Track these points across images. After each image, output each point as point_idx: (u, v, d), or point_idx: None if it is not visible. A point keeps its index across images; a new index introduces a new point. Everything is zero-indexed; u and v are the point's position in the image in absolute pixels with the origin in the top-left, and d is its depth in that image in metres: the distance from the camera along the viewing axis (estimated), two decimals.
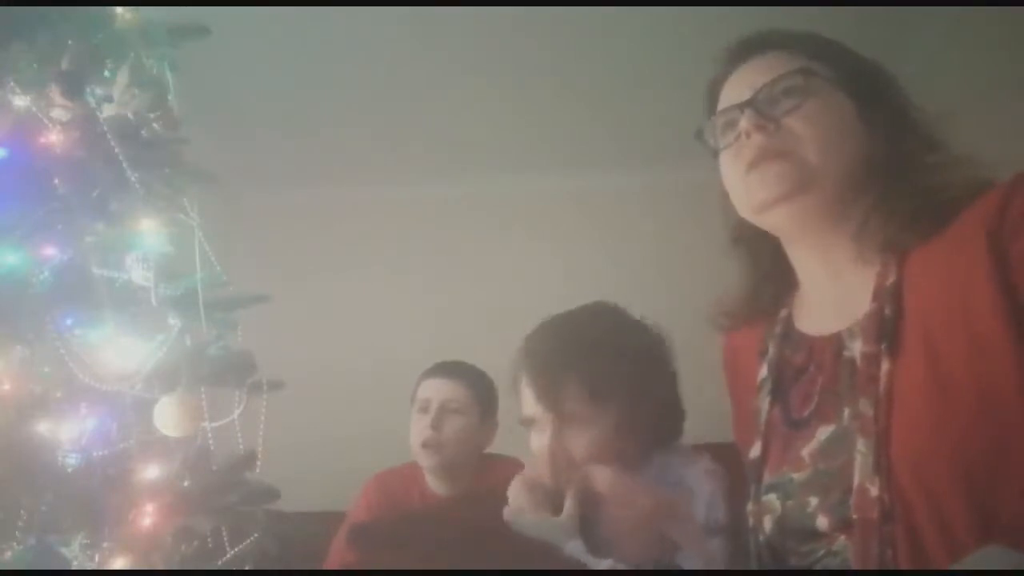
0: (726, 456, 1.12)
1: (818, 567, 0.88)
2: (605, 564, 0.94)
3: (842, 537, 0.85)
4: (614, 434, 1.05)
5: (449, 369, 2.00)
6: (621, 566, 0.94)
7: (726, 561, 0.96)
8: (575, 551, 0.95)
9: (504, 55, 2.58)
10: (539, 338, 1.12)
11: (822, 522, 0.86)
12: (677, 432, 1.14)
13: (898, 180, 0.90)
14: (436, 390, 1.96)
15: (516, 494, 1.04)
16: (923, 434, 0.79)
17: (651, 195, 3.22)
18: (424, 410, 1.94)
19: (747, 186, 0.94)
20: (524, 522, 1.00)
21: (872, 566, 0.79)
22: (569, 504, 0.99)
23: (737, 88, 0.96)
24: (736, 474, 1.03)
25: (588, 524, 0.98)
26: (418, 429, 1.93)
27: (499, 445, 2.00)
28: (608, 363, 1.06)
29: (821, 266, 0.96)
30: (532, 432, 1.09)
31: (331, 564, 1.80)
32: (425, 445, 1.89)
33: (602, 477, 1.00)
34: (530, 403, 1.08)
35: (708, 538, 0.98)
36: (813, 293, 0.99)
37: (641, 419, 1.07)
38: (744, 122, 0.92)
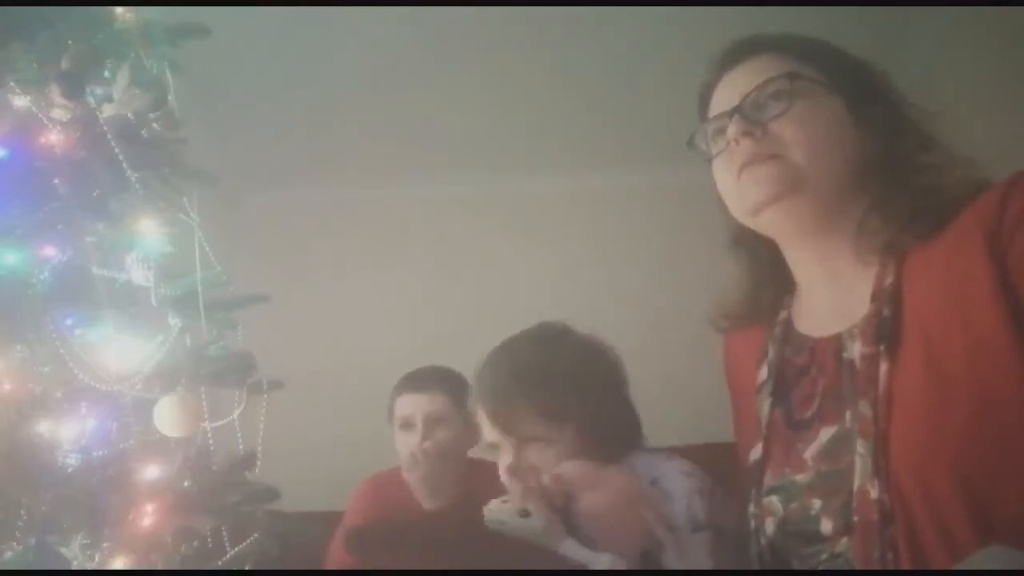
0: (722, 455, 1.13)
1: (822, 569, 0.88)
2: (603, 559, 0.95)
3: (845, 539, 0.85)
4: (575, 449, 1.09)
5: (423, 381, 1.95)
6: (621, 563, 0.95)
7: (714, 557, 0.97)
8: (570, 550, 0.96)
9: (504, 55, 2.58)
10: (488, 369, 1.17)
11: (826, 525, 0.86)
12: (637, 439, 1.18)
13: (895, 180, 0.90)
14: (416, 405, 1.91)
15: (496, 515, 1.06)
16: (922, 435, 0.79)
17: (651, 195, 3.22)
18: (408, 426, 1.90)
19: (739, 191, 0.94)
20: (514, 534, 1.01)
21: (873, 568, 0.79)
22: (544, 508, 1.01)
23: (726, 94, 0.97)
24: (734, 473, 1.04)
25: (571, 519, 1.00)
26: (406, 447, 1.88)
27: None
28: (558, 385, 1.11)
29: (819, 268, 0.96)
30: (499, 455, 1.13)
31: (330, 566, 1.79)
32: (416, 462, 1.85)
33: (573, 468, 1.04)
34: (489, 430, 1.13)
35: (690, 535, 0.99)
36: (812, 295, 0.99)
37: (599, 432, 1.11)
38: (732, 129, 0.93)
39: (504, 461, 1.12)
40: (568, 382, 1.11)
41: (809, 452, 0.90)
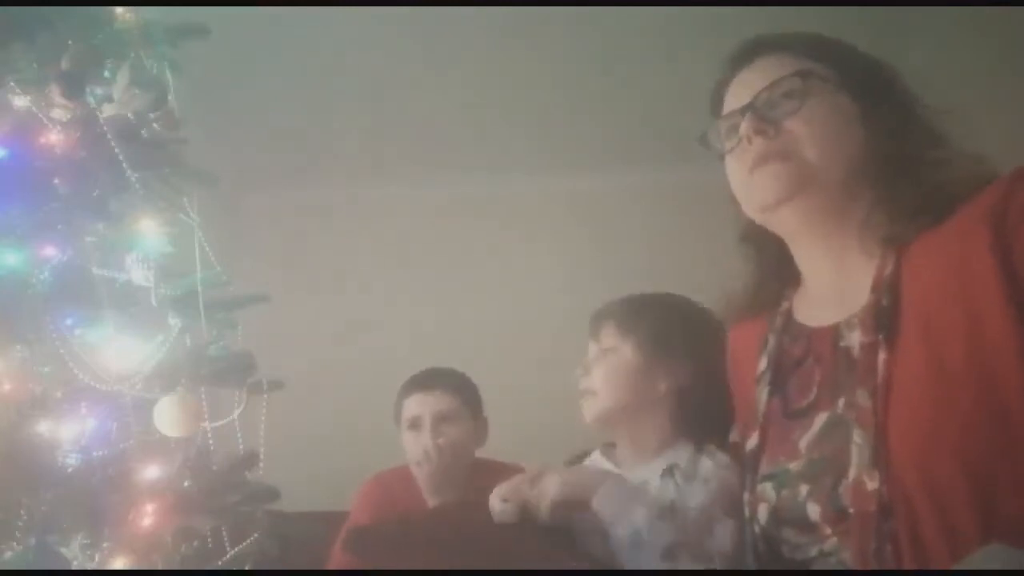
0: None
1: (814, 567, 0.88)
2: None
3: (834, 538, 0.85)
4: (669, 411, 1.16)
5: (429, 381, 1.98)
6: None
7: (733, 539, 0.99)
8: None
9: (505, 55, 2.58)
10: (634, 296, 1.26)
11: (813, 510, 0.86)
12: (712, 437, 1.18)
13: (902, 176, 0.91)
14: (424, 405, 1.93)
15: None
16: (924, 425, 0.79)
17: (652, 195, 3.22)
18: (416, 426, 1.92)
19: (751, 189, 0.95)
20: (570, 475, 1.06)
21: (870, 561, 0.79)
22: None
23: (739, 92, 0.97)
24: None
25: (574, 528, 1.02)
26: (415, 446, 1.90)
27: (492, 445, 2.01)
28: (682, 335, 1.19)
29: (824, 260, 0.97)
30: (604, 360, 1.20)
31: (332, 567, 1.79)
32: (429, 458, 1.86)
33: (557, 486, 1.06)
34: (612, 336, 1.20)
35: (713, 527, 1.01)
36: (815, 286, 1.00)
37: (691, 403, 1.17)
38: (744, 126, 0.94)
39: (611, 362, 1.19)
40: (693, 335, 1.19)
41: (804, 441, 0.91)
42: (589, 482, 1.05)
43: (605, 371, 1.19)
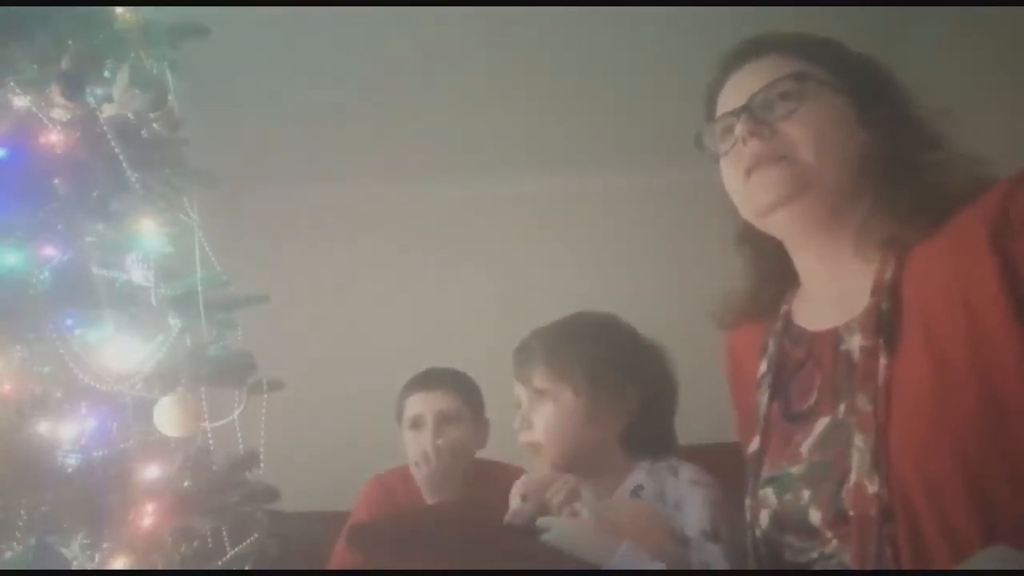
0: (724, 456, 1.14)
1: (815, 568, 0.88)
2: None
3: (835, 541, 0.85)
4: (611, 429, 1.14)
5: (431, 380, 1.98)
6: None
7: (729, 561, 0.97)
8: (625, 557, 0.94)
9: (507, 55, 2.58)
10: (551, 330, 1.23)
11: (814, 515, 0.86)
12: (666, 449, 1.18)
13: (899, 178, 0.90)
14: (426, 404, 1.93)
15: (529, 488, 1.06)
16: (925, 428, 0.79)
17: (656, 196, 3.22)
18: (418, 425, 1.92)
19: (747, 192, 0.95)
20: (563, 533, 0.99)
21: (870, 564, 0.79)
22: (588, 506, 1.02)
23: (733, 93, 0.97)
24: (739, 473, 1.04)
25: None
26: (416, 445, 1.90)
27: (492, 445, 2.01)
28: (609, 358, 1.17)
29: (822, 264, 0.97)
30: (542, 403, 1.16)
31: (333, 567, 1.80)
32: (428, 459, 1.87)
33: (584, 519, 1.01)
34: (543, 378, 1.16)
35: (704, 543, 1.00)
36: (814, 289, 1.00)
37: (637, 424, 1.15)
38: (740, 128, 0.93)
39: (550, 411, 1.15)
40: (619, 360, 1.17)
41: (805, 445, 0.90)
42: (624, 526, 0.98)
43: (548, 422, 1.14)
